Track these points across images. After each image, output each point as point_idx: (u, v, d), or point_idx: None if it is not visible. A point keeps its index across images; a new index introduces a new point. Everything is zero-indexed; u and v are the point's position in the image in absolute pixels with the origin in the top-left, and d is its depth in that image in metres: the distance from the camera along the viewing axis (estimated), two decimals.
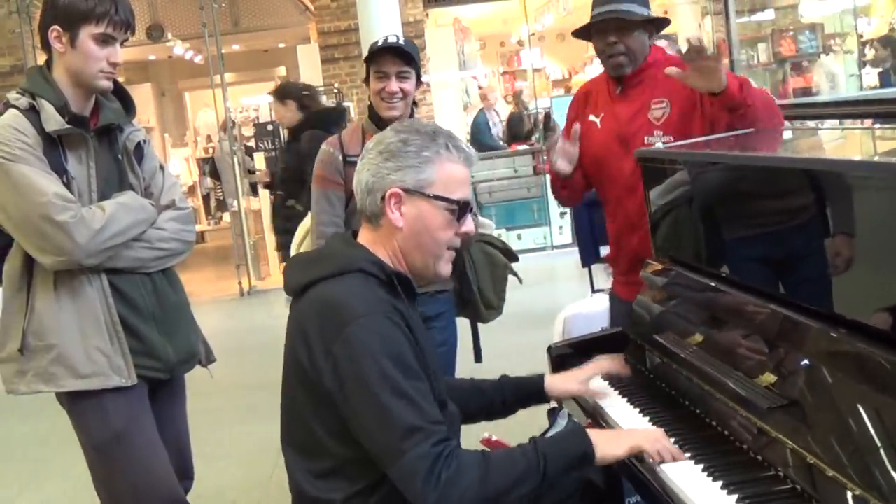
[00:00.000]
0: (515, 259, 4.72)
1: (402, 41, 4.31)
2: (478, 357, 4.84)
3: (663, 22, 4.19)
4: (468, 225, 2.80)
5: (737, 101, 3.61)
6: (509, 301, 4.80)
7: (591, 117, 4.22)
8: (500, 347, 8.17)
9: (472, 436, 3.11)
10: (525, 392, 3.23)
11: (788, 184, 2.81)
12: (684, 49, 3.64)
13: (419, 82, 4.39)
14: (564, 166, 4.10)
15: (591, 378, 3.33)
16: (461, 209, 2.76)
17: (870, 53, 14.26)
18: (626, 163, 4.00)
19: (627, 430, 2.92)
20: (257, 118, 16.52)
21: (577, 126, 4.08)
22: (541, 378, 3.26)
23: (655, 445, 2.66)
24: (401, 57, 4.25)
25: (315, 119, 7.99)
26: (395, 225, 2.72)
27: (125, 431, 3.45)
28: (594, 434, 2.68)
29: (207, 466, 3.96)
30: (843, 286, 2.51)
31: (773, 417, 2.46)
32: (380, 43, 4.31)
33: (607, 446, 2.66)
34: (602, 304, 5.36)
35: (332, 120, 8.07)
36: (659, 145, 3.81)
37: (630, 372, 3.36)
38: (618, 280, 4.34)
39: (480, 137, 15.59)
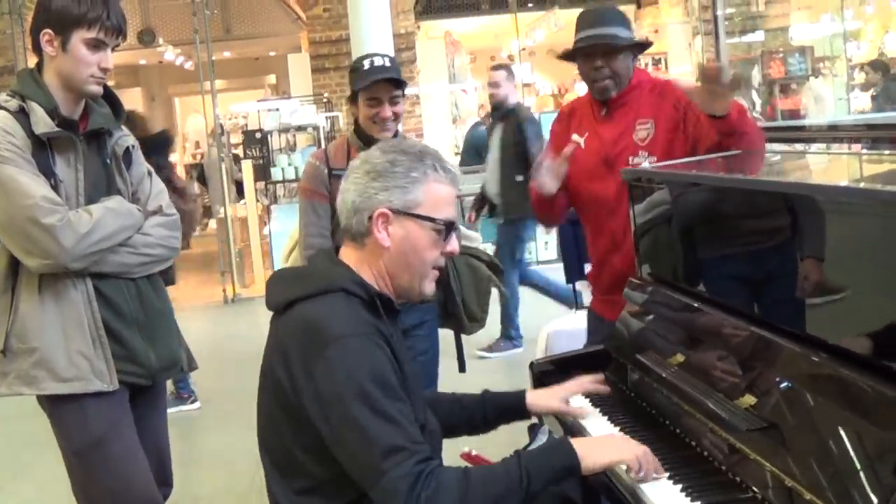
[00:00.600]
0: (500, 272, 4.74)
1: (388, 63, 4.37)
2: (461, 367, 4.85)
3: (646, 45, 4.23)
4: (453, 244, 2.80)
5: (734, 127, 3.63)
6: (491, 315, 4.81)
7: (575, 137, 4.23)
8: (483, 361, 8.19)
9: (453, 450, 3.11)
10: (506, 408, 3.23)
11: (770, 206, 2.85)
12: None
13: (404, 96, 4.45)
14: (551, 185, 4.08)
15: (573, 396, 3.33)
16: (447, 229, 2.77)
17: (859, 77, 14.33)
18: (610, 184, 4.03)
19: (614, 438, 2.92)
20: (246, 125, 16.51)
21: (568, 148, 4.06)
22: (522, 394, 3.25)
23: (641, 460, 2.65)
24: (393, 83, 4.31)
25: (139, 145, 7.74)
26: (381, 245, 2.71)
27: (105, 437, 3.45)
28: (578, 444, 2.66)
29: (186, 474, 3.96)
30: (827, 310, 2.53)
31: (752, 439, 2.48)
32: (367, 66, 4.36)
33: (594, 456, 2.64)
34: (586, 320, 5.38)
35: (157, 147, 7.75)
36: (645, 165, 3.83)
37: (610, 390, 3.36)
38: (597, 298, 4.37)
39: (482, 150, 15.66)
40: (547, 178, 4.07)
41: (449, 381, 4.46)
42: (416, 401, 2.72)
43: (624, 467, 2.69)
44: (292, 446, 2.66)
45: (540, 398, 3.27)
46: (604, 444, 2.80)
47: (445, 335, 4.67)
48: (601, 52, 3.98)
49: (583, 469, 2.63)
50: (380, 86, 4.30)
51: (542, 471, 2.59)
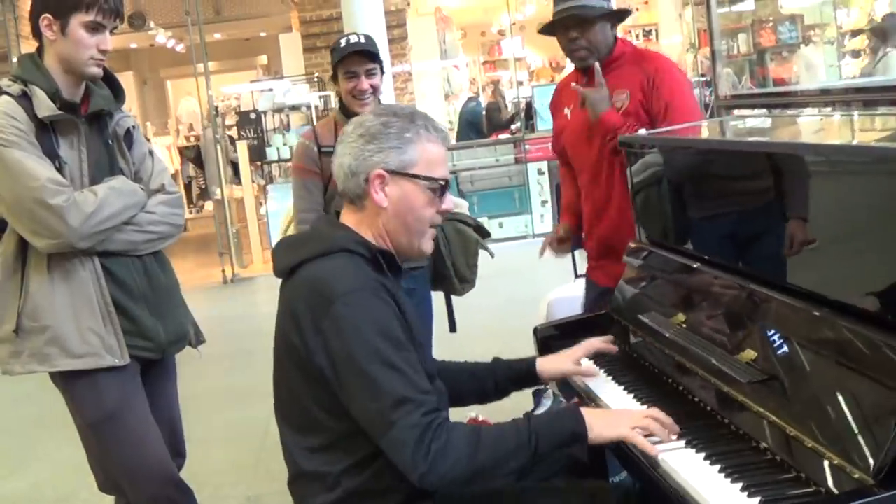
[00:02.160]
0: (487, 235, 4.87)
1: (363, 39, 4.57)
2: (452, 327, 4.98)
3: (624, 13, 4.30)
4: (447, 202, 2.87)
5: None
6: (491, 288, 4.90)
7: (565, 110, 4.41)
8: (483, 332, 8.24)
9: (460, 416, 3.15)
10: (517, 374, 3.25)
11: (764, 166, 2.91)
12: None
13: (383, 74, 4.64)
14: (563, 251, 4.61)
15: (581, 358, 3.34)
16: (442, 187, 2.84)
17: (850, 44, 14.30)
18: (591, 151, 4.18)
19: (625, 413, 2.91)
20: (239, 107, 16.53)
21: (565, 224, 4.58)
22: (532, 360, 3.28)
23: (652, 427, 2.69)
24: (367, 56, 4.51)
25: None
26: (379, 205, 2.78)
27: (119, 410, 3.51)
28: (588, 414, 2.73)
29: (194, 450, 3.99)
30: (821, 265, 2.59)
31: (754, 391, 2.54)
32: (343, 44, 4.57)
33: (601, 429, 2.70)
34: None
35: None
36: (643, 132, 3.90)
37: (617, 350, 3.40)
38: (591, 265, 4.49)
39: (479, 125, 15.81)
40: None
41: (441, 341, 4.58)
42: (423, 354, 2.80)
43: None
44: (308, 404, 2.73)
45: (550, 363, 3.28)
46: (614, 417, 2.83)
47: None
48: (575, 23, 4.06)
49: (590, 439, 2.70)
50: (354, 59, 4.51)
51: (551, 435, 2.66)
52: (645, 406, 2.95)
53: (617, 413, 2.95)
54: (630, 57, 4.18)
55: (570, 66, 9.06)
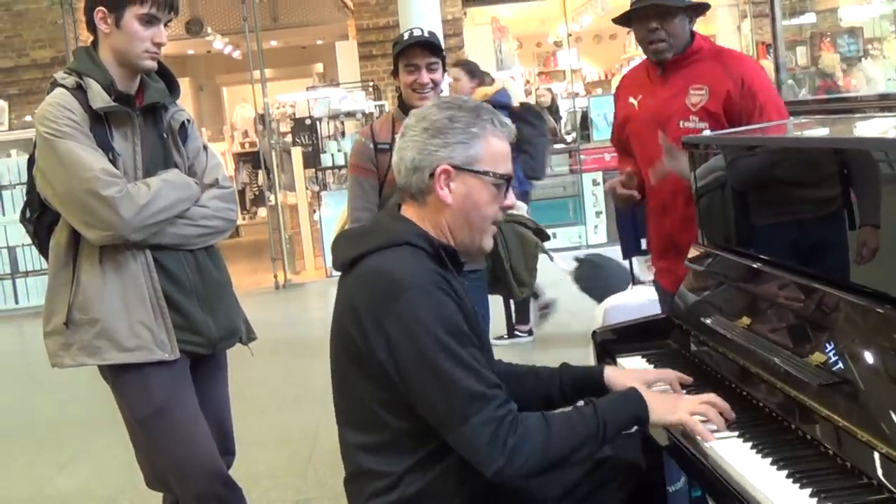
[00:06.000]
0: (547, 238, 4.79)
1: (426, 33, 4.52)
2: (511, 332, 4.92)
3: (703, 7, 4.19)
4: (511, 198, 2.80)
5: None
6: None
7: (630, 100, 4.30)
8: (536, 342, 8.18)
9: None
10: (584, 381, 3.10)
11: (834, 166, 2.81)
12: None
13: (444, 71, 4.58)
14: (634, 195, 4.30)
15: (655, 382, 3.12)
16: (507, 183, 2.77)
17: None
18: (659, 145, 4.04)
19: (681, 398, 2.88)
20: (294, 114, 16.55)
21: (629, 170, 4.26)
22: (601, 369, 3.14)
23: (706, 411, 2.69)
24: (429, 49, 4.45)
25: None
26: (444, 202, 2.72)
27: (168, 405, 3.48)
28: (649, 398, 2.72)
29: (243, 453, 3.95)
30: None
31: (823, 395, 2.44)
32: (406, 37, 4.52)
33: (660, 413, 2.70)
34: (642, 295, 5.36)
35: None
36: (705, 132, 3.81)
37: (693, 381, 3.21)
38: (657, 266, 4.40)
39: None
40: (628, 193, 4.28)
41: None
42: (486, 350, 2.73)
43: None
44: (367, 401, 2.67)
45: (620, 376, 3.11)
46: (672, 402, 2.78)
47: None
48: (655, 13, 3.99)
49: (651, 422, 2.69)
50: (416, 51, 4.45)
51: (616, 420, 2.66)
52: None
53: (675, 398, 2.89)
54: (708, 52, 4.10)
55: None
